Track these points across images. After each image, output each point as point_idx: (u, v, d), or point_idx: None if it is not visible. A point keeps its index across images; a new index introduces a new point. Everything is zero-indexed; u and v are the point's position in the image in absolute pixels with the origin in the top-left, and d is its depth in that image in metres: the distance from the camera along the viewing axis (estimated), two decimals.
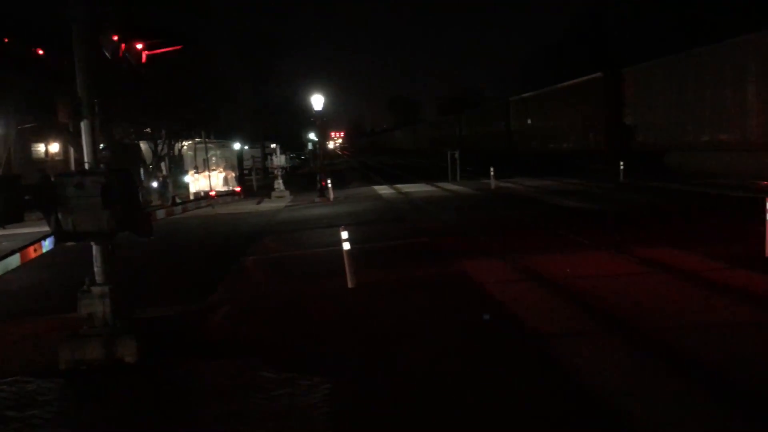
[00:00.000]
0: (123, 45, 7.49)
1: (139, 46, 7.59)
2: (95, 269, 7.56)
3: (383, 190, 32.37)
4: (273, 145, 52.62)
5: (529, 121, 46.08)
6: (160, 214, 25.61)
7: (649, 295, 8.68)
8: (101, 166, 7.73)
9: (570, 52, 59.00)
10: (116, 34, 7.37)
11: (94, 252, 7.58)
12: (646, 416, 5.17)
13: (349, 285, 10.20)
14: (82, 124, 7.57)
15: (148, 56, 7.95)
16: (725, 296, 8.46)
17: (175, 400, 6.29)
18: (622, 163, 28.47)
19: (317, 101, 30.44)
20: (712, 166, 25.15)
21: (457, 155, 36.36)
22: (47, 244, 14.70)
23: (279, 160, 38.41)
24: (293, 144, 75.10)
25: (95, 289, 7.47)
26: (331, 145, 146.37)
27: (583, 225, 15.46)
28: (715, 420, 5.06)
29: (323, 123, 35.47)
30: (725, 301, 8.26)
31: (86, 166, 7.59)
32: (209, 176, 34.50)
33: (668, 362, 6.34)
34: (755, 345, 6.66)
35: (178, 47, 8.28)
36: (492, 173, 29.82)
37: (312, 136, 70.33)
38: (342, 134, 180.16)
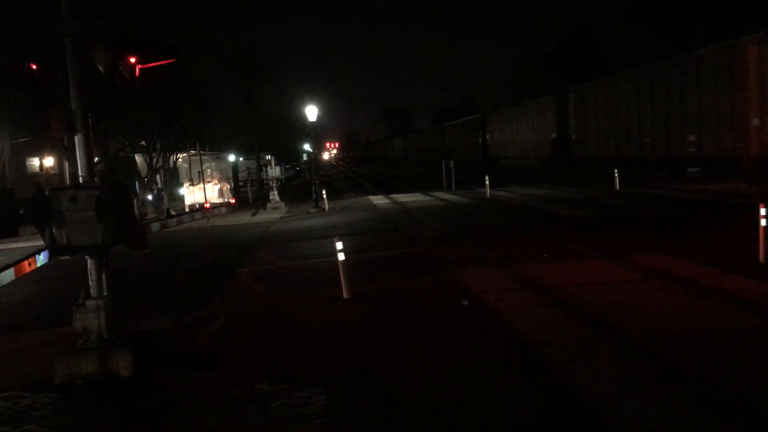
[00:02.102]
0: (116, 58, 7.51)
1: (133, 59, 7.62)
2: (90, 283, 7.56)
3: (378, 200, 32.41)
4: (268, 157, 52.73)
5: (496, 135, 52.91)
6: (155, 226, 25.61)
7: (643, 301, 8.71)
8: (96, 179, 7.76)
9: (560, 61, 59.52)
10: (109, 48, 7.40)
11: (88, 265, 7.58)
12: (640, 422, 5.20)
13: (345, 295, 10.22)
14: (76, 138, 7.59)
15: (141, 69, 7.98)
16: (719, 301, 8.50)
17: (170, 413, 6.28)
18: (616, 171, 28.59)
19: (311, 112, 30.52)
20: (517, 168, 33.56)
21: (452, 164, 36.50)
22: (42, 258, 14.68)
23: (274, 171, 38.48)
24: (288, 155, 75.14)
25: (90, 303, 7.47)
26: (326, 155, 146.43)
27: (577, 233, 15.49)
28: (709, 426, 5.08)
29: (318, 134, 35.57)
30: (720, 306, 8.29)
31: (80, 179, 7.61)
32: (204, 188, 34.51)
33: (662, 368, 6.36)
34: (748, 350, 6.69)
35: (172, 60, 8.30)
36: (487, 182, 29.94)
37: (307, 147, 70.41)
38: (337, 145, 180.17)
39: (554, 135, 39.73)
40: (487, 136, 54.57)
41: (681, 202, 21.19)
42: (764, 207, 10.53)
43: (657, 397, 5.64)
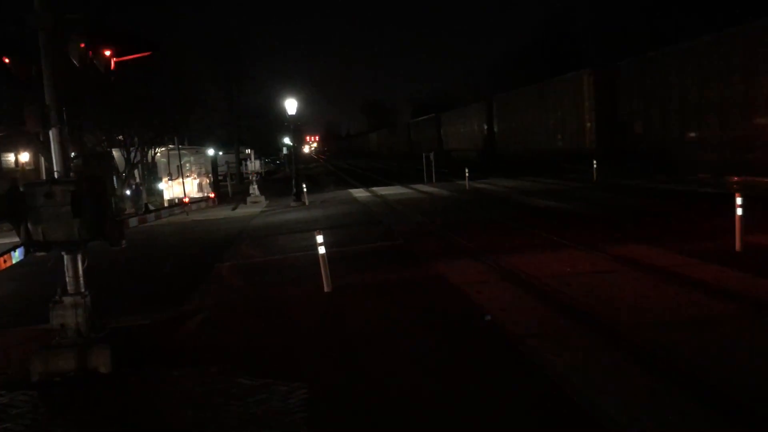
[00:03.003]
0: (91, 52, 7.40)
1: (108, 52, 7.51)
2: (67, 279, 7.47)
3: (359, 193, 32.37)
4: (248, 151, 52.38)
5: (443, 131, 67.16)
6: (133, 222, 25.27)
7: (624, 292, 8.79)
8: (71, 174, 7.65)
9: (540, 54, 59.86)
10: (84, 41, 7.29)
11: (65, 262, 7.49)
12: (620, 413, 5.24)
13: (326, 289, 10.20)
14: (51, 133, 7.47)
15: (117, 63, 7.87)
16: (698, 291, 8.59)
17: (150, 410, 6.23)
18: (595, 162, 28.87)
19: (291, 106, 30.33)
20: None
21: (432, 157, 36.54)
22: (17, 255, 14.42)
23: (254, 165, 38.23)
24: (268, 149, 74.67)
25: (67, 300, 7.39)
26: (306, 149, 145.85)
27: (557, 224, 15.59)
28: (688, 415, 5.14)
29: (298, 127, 35.40)
30: (698, 295, 8.39)
31: (56, 175, 7.50)
32: (183, 183, 34.22)
33: (642, 358, 6.42)
34: (726, 338, 6.77)
35: (148, 53, 8.19)
36: (467, 174, 30.02)
37: (287, 140, 70.06)
38: (317, 138, 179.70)
39: (485, 132, 52.50)
40: (442, 131, 67.85)
41: (660, 194, 21.40)
42: (740, 197, 10.68)
43: (636, 386, 5.70)
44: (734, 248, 10.72)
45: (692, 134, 26.02)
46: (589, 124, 33.99)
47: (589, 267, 10.60)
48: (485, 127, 52.26)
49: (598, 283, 9.41)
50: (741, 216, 10.67)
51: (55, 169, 7.56)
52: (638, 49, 31.66)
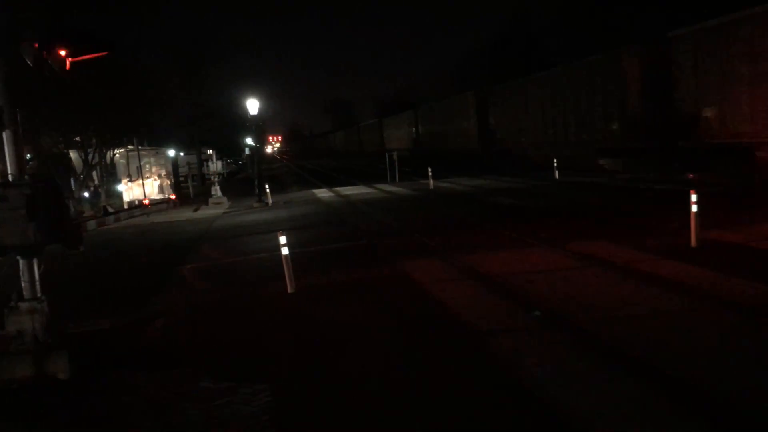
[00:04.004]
0: (45, 52, 7.25)
1: (63, 52, 7.36)
2: (23, 284, 7.29)
3: (322, 193, 32.29)
4: (209, 151, 51.79)
5: (385, 133, 71.59)
6: (92, 224, 24.88)
7: (582, 288, 8.94)
8: (26, 177, 7.48)
9: (502, 53, 60.63)
10: (38, 41, 7.14)
11: (20, 266, 7.32)
12: (580, 407, 5.33)
13: (289, 290, 10.15)
14: (4, 134, 7.29)
15: (73, 62, 7.72)
16: (655, 286, 8.78)
17: (111, 415, 6.13)
18: (555, 161, 29.25)
19: (252, 106, 30.11)
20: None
21: (395, 156, 36.63)
22: None
23: (215, 166, 37.87)
24: (231, 149, 73.96)
25: (23, 305, 7.22)
26: (269, 149, 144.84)
27: (518, 221, 15.77)
28: (645, 407, 5.25)
29: (260, 127, 35.14)
30: (655, 291, 8.58)
31: (10, 177, 7.32)
32: (143, 184, 33.69)
33: (601, 353, 6.54)
34: (683, 332, 6.94)
35: (104, 53, 8.06)
36: (430, 173, 30.16)
37: (249, 141, 69.46)
38: (280, 138, 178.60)
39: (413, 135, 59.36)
40: (384, 134, 71.91)
41: (609, 190, 21.80)
42: (694, 193, 10.94)
43: (599, 381, 5.80)
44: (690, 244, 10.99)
45: (523, 139, 37.85)
46: (474, 132, 45.15)
47: (551, 263, 10.76)
48: (413, 130, 61.99)
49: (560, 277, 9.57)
50: (696, 213, 10.93)
51: (9, 171, 7.38)
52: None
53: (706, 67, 21.89)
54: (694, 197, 10.89)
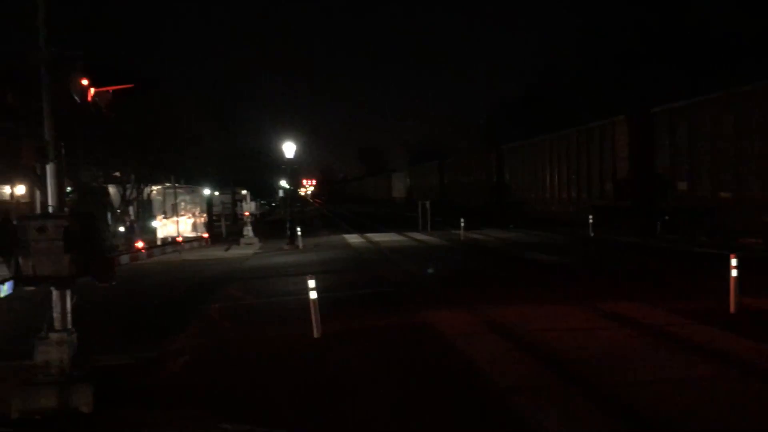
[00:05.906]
0: (92, 89, 7.49)
1: (85, 81, 7.56)
2: (54, 315, 7.39)
3: (353, 239, 32.37)
4: (243, 192, 52.42)
5: (412, 182, 77.06)
6: (125, 259, 25.23)
7: (612, 349, 8.74)
8: (66, 209, 7.66)
9: (533, 106, 61.15)
10: (84, 78, 7.39)
11: (53, 297, 7.43)
12: None
13: (315, 335, 10.11)
14: (48, 168, 7.51)
15: (116, 99, 7.97)
16: (690, 352, 8.56)
17: None
18: (591, 216, 28.95)
19: (289, 149, 30.56)
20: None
21: (428, 205, 36.67)
22: (6, 289, 14.36)
23: (249, 206, 38.29)
24: (264, 191, 74.89)
25: (53, 336, 7.30)
26: (302, 192, 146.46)
27: (548, 277, 15.59)
28: None
29: (295, 171, 35.57)
30: (690, 356, 8.35)
31: (50, 209, 7.51)
32: (177, 222, 34.18)
33: (628, 417, 6.36)
34: (714, 400, 6.73)
35: (129, 86, 8.26)
36: (462, 224, 30.07)
37: (283, 183, 70.26)
38: (314, 182, 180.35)
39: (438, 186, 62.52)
40: (411, 183, 76.18)
41: (640, 250, 21.48)
42: (734, 257, 10.64)
43: None
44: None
45: (533, 195, 40.66)
46: (490, 184, 48.39)
47: (580, 323, 10.57)
48: (440, 179, 65.08)
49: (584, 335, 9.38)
50: (736, 278, 10.66)
51: (49, 203, 7.57)
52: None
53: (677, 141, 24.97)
54: (734, 261, 10.57)
